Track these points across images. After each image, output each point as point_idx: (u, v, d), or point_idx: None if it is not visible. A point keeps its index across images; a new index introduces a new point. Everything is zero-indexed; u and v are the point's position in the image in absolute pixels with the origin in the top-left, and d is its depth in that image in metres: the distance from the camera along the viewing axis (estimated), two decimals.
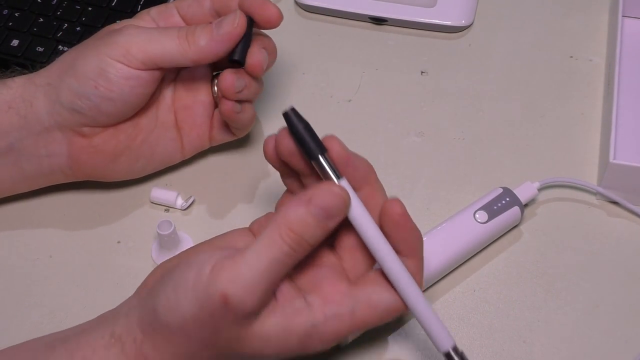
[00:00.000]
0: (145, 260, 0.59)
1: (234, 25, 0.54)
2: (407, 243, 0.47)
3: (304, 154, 0.47)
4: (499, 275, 0.58)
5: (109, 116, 0.56)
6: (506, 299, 0.57)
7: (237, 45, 0.55)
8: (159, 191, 0.62)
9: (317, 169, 0.47)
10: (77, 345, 0.47)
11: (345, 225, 0.48)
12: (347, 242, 0.49)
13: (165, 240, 0.57)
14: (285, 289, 0.46)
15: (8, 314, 0.57)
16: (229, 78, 0.56)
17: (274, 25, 0.56)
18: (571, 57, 0.70)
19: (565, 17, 0.73)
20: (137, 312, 0.47)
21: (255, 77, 0.57)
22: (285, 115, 0.47)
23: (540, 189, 0.60)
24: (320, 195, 0.45)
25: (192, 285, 0.45)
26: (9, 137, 0.57)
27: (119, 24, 0.58)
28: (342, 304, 0.47)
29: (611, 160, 0.58)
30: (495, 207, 0.57)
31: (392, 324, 0.56)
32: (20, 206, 0.62)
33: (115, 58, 0.54)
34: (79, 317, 0.55)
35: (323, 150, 0.47)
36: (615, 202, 0.61)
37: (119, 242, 0.60)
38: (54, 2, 0.71)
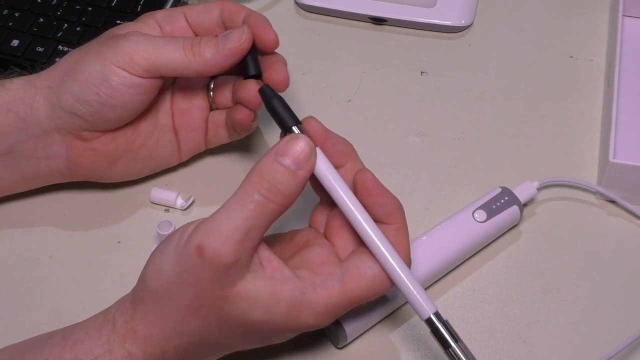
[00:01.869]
0: (145, 260, 0.58)
1: (241, 40, 0.54)
2: (384, 208, 0.48)
3: (280, 128, 0.49)
4: (499, 275, 0.58)
5: (109, 121, 0.56)
6: (506, 299, 0.57)
7: (246, 60, 0.55)
8: (159, 191, 0.62)
9: None
10: (72, 330, 0.49)
11: (334, 210, 0.50)
12: (335, 224, 0.51)
13: None
14: (274, 261, 0.47)
15: (8, 314, 0.57)
16: (253, 89, 0.56)
17: (269, 50, 0.56)
18: (571, 57, 0.70)
19: (565, 17, 0.73)
20: (131, 294, 0.49)
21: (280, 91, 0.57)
22: (261, 91, 0.51)
23: (539, 189, 0.60)
24: (286, 144, 0.47)
25: (175, 246, 0.46)
26: (9, 139, 0.57)
27: (123, 28, 0.58)
28: (330, 273, 0.47)
29: (611, 159, 0.58)
30: (494, 207, 0.57)
31: (391, 323, 0.56)
32: (20, 206, 0.62)
33: (119, 65, 0.54)
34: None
35: (297, 121, 0.49)
36: (615, 202, 0.61)
37: (119, 242, 0.60)
38: (54, 2, 0.71)
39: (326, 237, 0.51)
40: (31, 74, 0.58)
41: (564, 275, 0.58)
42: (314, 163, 0.48)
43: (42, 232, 0.61)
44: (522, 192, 0.59)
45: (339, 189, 0.48)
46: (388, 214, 0.49)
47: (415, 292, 0.47)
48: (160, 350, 0.47)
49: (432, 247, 0.56)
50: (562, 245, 0.59)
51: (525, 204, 0.60)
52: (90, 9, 0.70)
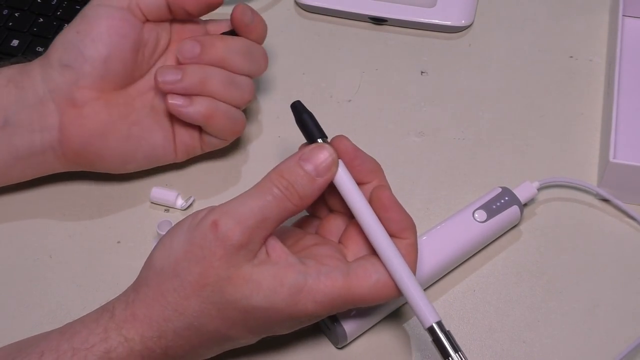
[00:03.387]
0: (145, 260, 0.59)
1: (332, 172, 0.50)
2: (399, 225, 0.49)
3: (307, 140, 0.51)
4: (499, 275, 0.58)
5: (95, 66, 0.56)
6: (506, 299, 0.57)
7: None
8: (159, 191, 0.62)
9: None
10: (70, 325, 0.49)
11: (351, 220, 0.51)
12: (350, 233, 0.51)
13: None
14: (279, 249, 0.48)
15: (8, 314, 0.57)
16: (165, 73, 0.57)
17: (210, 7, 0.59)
18: (571, 57, 0.70)
19: (565, 17, 0.73)
20: (133, 283, 0.49)
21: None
22: (292, 106, 0.52)
23: (539, 189, 0.60)
24: (311, 151, 0.49)
25: (187, 227, 0.48)
26: (6, 111, 0.57)
27: None
28: (336, 266, 0.48)
29: (611, 159, 0.58)
30: (494, 207, 0.58)
31: (391, 324, 0.56)
32: (20, 206, 0.62)
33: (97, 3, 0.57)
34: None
35: (324, 135, 0.51)
36: (615, 202, 0.61)
37: (119, 242, 0.60)
38: (54, 2, 0.71)
39: (339, 241, 0.52)
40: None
41: (564, 275, 0.58)
42: (334, 174, 0.49)
43: (42, 232, 0.61)
44: (522, 192, 0.59)
45: (356, 198, 0.49)
46: (402, 230, 0.49)
47: (419, 300, 0.48)
48: (159, 332, 0.47)
49: (432, 247, 0.56)
50: (562, 245, 0.59)
51: (525, 204, 0.60)
52: None
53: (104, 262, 0.59)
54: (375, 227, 0.49)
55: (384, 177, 0.52)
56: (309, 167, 0.48)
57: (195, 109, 0.57)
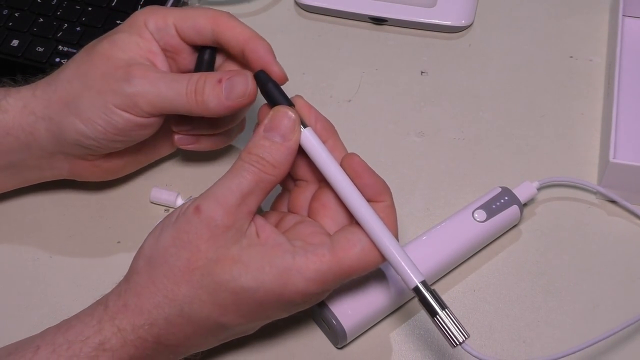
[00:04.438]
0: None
1: (245, 95, 0.53)
2: (373, 188, 0.49)
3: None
4: (499, 275, 0.58)
5: (116, 149, 0.57)
6: (506, 299, 0.57)
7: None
8: (159, 191, 0.62)
9: None
10: (65, 321, 0.49)
11: (316, 192, 0.52)
12: (317, 205, 0.52)
13: None
14: (268, 229, 0.49)
15: (8, 314, 0.57)
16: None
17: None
18: (571, 57, 0.70)
19: (565, 17, 0.73)
20: (124, 278, 0.50)
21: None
22: (256, 75, 0.53)
23: (539, 189, 0.60)
24: (271, 119, 0.50)
25: (175, 217, 0.49)
26: (10, 157, 0.57)
27: (118, 41, 0.55)
28: (321, 241, 0.48)
29: (611, 159, 0.58)
30: (493, 206, 0.58)
31: (390, 324, 0.56)
32: (20, 206, 0.62)
33: (123, 109, 0.53)
34: None
35: (290, 104, 0.51)
36: (615, 202, 0.61)
37: (119, 242, 0.60)
38: (54, 2, 0.71)
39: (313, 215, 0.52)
40: (21, 84, 0.58)
41: (563, 275, 0.58)
42: (299, 133, 0.50)
43: (42, 232, 0.61)
44: (522, 192, 0.59)
45: (329, 165, 0.50)
46: (377, 193, 0.50)
47: (402, 261, 0.48)
48: (150, 320, 0.47)
49: (432, 247, 0.56)
50: (562, 245, 0.59)
51: (525, 204, 0.60)
52: (90, 9, 0.70)
53: (104, 262, 0.59)
54: (352, 193, 0.49)
55: (339, 137, 0.53)
56: (272, 134, 0.49)
57: (201, 146, 0.60)
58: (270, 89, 0.52)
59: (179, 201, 0.61)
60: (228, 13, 0.56)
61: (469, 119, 0.66)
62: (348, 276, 0.49)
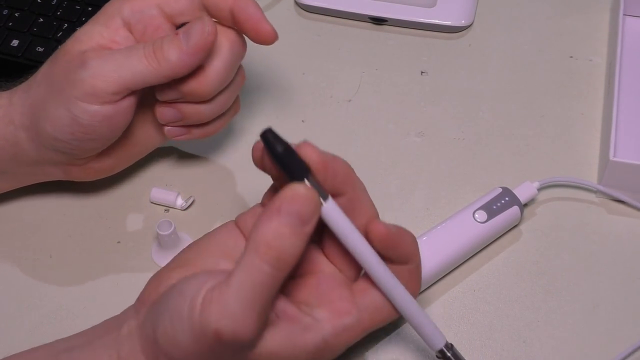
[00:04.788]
0: (145, 260, 0.59)
1: (204, 34, 0.50)
2: (401, 255, 0.47)
3: (288, 177, 0.44)
4: (499, 275, 0.58)
5: (95, 149, 0.55)
6: (506, 299, 0.57)
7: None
8: (159, 191, 0.62)
9: None
10: (81, 350, 0.47)
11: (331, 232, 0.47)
12: (335, 244, 0.48)
13: (165, 241, 0.57)
14: (288, 309, 0.45)
15: (8, 314, 0.57)
16: (165, 112, 0.55)
17: (267, 44, 0.53)
18: (571, 57, 0.70)
19: (565, 17, 0.73)
20: (139, 337, 0.46)
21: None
22: (262, 136, 0.44)
23: (540, 189, 0.60)
24: (288, 201, 0.42)
25: (187, 316, 0.43)
26: (1, 166, 0.57)
27: (80, 38, 0.53)
28: (350, 313, 0.46)
29: (611, 157, 0.58)
30: (494, 207, 0.57)
31: (389, 323, 0.56)
32: (20, 206, 0.62)
33: (84, 100, 0.51)
34: (78, 317, 0.56)
35: (306, 172, 0.44)
36: (615, 200, 0.61)
37: (119, 242, 0.60)
38: (54, 2, 0.71)
39: (324, 250, 0.49)
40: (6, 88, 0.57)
41: (564, 275, 0.58)
42: (319, 215, 0.44)
43: (42, 232, 0.61)
44: (523, 193, 0.59)
45: (350, 238, 0.46)
46: (404, 258, 0.47)
47: (427, 326, 0.49)
48: None
49: (432, 248, 0.56)
50: (563, 245, 0.59)
51: (525, 204, 0.60)
52: (90, 9, 0.70)
53: (104, 262, 0.59)
54: (368, 259, 0.47)
55: (358, 180, 0.47)
56: (291, 220, 0.42)
57: (194, 135, 0.58)
58: (281, 157, 0.44)
59: (179, 201, 0.61)
60: None
61: (469, 119, 0.66)
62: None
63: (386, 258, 0.47)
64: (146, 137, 0.59)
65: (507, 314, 0.56)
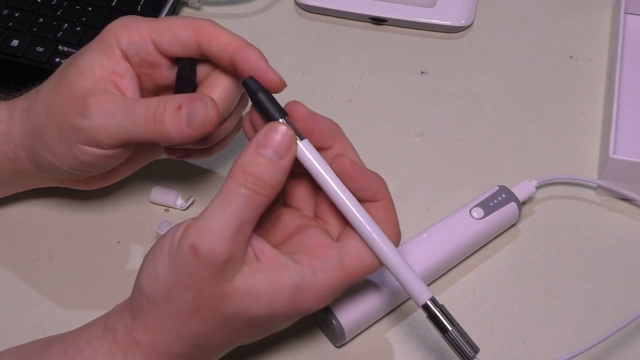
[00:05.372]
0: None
1: (207, 118, 0.50)
2: (370, 189, 0.48)
3: (266, 120, 0.48)
4: (498, 275, 0.58)
5: (96, 176, 0.56)
6: (506, 299, 0.57)
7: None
8: (159, 191, 0.62)
9: None
10: (72, 338, 0.48)
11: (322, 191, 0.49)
12: (325, 204, 0.50)
13: None
14: (269, 251, 0.46)
15: (8, 314, 0.57)
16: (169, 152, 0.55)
17: (275, 93, 0.52)
18: (571, 57, 0.70)
19: (565, 17, 0.73)
20: (127, 305, 0.48)
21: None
22: (244, 84, 0.49)
23: (538, 187, 0.60)
24: (264, 135, 0.46)
25: (167, 251, 0.46)
26: (1, 177, 0.57)
27: (78, 72, 0.52)
28: (329, 255, 0.47)
29: (611, 155, 0.58)
30: (491, 204, 0.57)
31: (389, 322, 0.56)
32: (20, 206, 0.62)
33: (86, 144, 0.51)
34: (79, 317, 0.55)
35: (283, 114, 0.48)
36: (614, 198, 0.61)
37: (119, 242, 0.60)
38: (54, 2, 0.71)
39: (316, 216, 0.51)
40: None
41: (564, 275, 0.58)
42: (295, 150, 0.47)
43: (42, 232, 0.61)
44: (521, 190, 0.59)
45: (325, 177, 0.48)
46: (374, 193, 0.48)
47: (411, 280, 0.47)
48: (164, 357, 0.47)
49: (430, 245, 0.56)
50: (562, 243, 0.59)
51: (524, 203, 0.60)
52: (90, 9, 0.70)
53: (104, 262, 0.59)
54: (352, 209, 0.47)
55: (345, 138, 0.50)
56: (268, 152, 0.46)
57: (194, 157, 0.57)
58: (261, 99, 0.48)
59: (179, 201, 0.61)
60: (209, 20, 0.52)
61: (469, 119, 0.66)
62: (355, 283, 0.48)
63: (358, 196, 0.48)
64: (146, 151, 0.59)
65: (507, 314, 0.56)
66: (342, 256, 0.47)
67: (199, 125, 0.50)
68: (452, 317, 0.48)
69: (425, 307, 0.47)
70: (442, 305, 0.48)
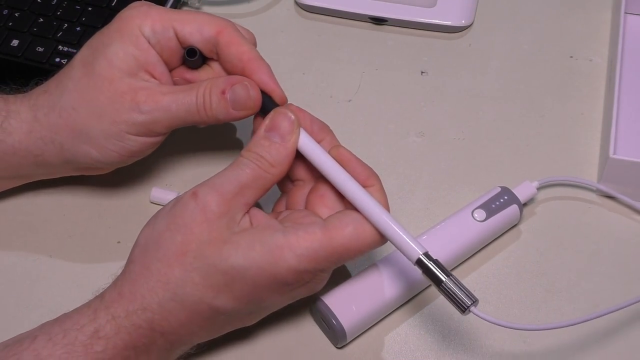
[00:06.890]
0: None
1: (250, 99, 0.54)
2: (362, 175, 0.51)
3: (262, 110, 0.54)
4: (499, 275, 0.58)
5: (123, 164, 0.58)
6: (506, 299, 0.57)
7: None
8: (159, 191, 0.62)
9: None
10: (65, 313, 0.50)
11: (313, 186, 0.53)
12: (315, 197, 0.52)
13: None
14: (262, 216, 0.50)
15: (8, 314, 0.57)
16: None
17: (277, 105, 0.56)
18: (571, 57, 0.70)
19: (565, 17, 0.73)
20: (120, 277, 0.50)
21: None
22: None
23: (539, 188, 0.60)
24: (271, 120, 0.51)
25: (170, 205, 0.50)
26: (19, 171, 0.58)
27: (110, 64, 0.54)
28: (313, 221, 0.49)
29: (611, 155, 0.58)
30: (493, 206, 0.58)
31: (390, 324, 0.56)
32: (20, 206, 0.62)
33: (140, 135, 0.54)
34: None
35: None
36: (615, 198, 0.61)
37: (119, 242, 0.60)
38: (54, 2, 0.71)
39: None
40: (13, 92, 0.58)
41: (564, 275, 0.58)
42: (298, 134, 0.51)
43: (42, 232, 0.61)
44: (522, 192, 0.59)
45: (321, 156, 0.51)
46: (366, 179, 0.51)
47: (403, 235, 0.48)
48: (142, 304, 0.48)
49: (432, 247, 0.55)
50: (563, 244, 0.59)
51: (525, 204, 0.60)
52: (90, 9, 0.70)
53: (104, 262, 0.59)
54: (345, 179, 0.50)
55: (334, 135, 0.54)
56: (272, 134, 0.51)
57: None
58: (263, 99, 0.54)
59: None
60: (233, 24, 0.56)
61: (469, 119, 0.66)
62: (341, 256, 0.49)
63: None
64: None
65: (507, 314, 0.56)
66: (326, 224, 0.49)
67: (244, 107, 0.54)
68: (446, 269, 0.48)
69: (419, 262, 0.48)
70: (437, 260, 0.48)
